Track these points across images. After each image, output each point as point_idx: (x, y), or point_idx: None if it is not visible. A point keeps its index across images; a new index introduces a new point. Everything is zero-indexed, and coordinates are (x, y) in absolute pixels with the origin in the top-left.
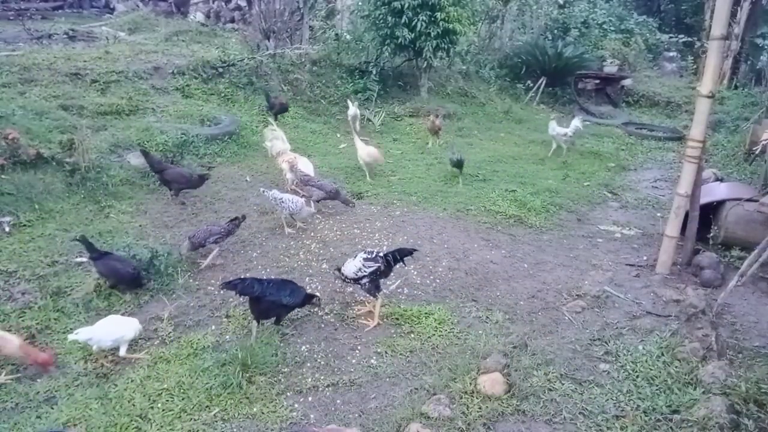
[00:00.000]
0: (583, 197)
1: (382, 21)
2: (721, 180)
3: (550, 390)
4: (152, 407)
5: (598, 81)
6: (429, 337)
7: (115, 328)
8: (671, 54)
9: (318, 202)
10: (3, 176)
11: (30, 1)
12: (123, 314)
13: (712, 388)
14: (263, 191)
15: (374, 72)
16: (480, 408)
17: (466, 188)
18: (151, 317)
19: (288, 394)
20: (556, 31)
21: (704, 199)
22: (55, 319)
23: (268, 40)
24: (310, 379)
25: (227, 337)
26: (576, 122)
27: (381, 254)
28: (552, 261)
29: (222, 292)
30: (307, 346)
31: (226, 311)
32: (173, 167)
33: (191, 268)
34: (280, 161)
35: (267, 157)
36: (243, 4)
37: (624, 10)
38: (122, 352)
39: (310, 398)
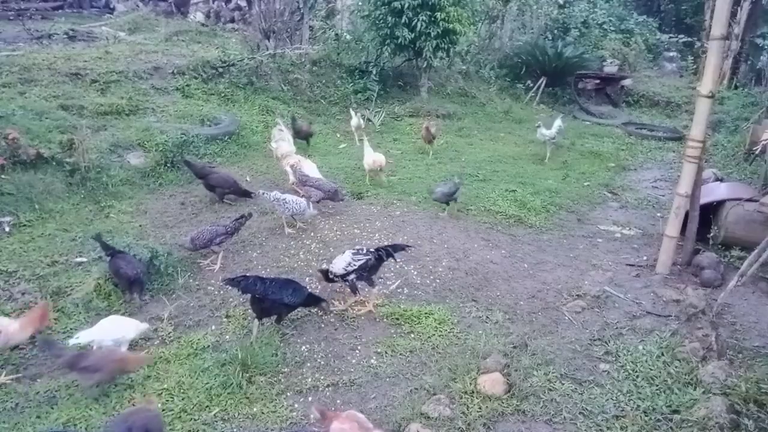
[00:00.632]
0: (583, 197)
1: (382, 21)
2: (721, 180)
3: (550, 390)
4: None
5: (598, 81)
6: (429, 337)
7: (115, 328)
8: (671, 54)
9: (318, 202)
10: (3, 176)
11: (30, 1)
12: (123, 314)
13: (712, 388)
14: (263, 193)
15: (374, 72)
16: (480, 408)
17: (466, 188)
18: (151, 317)
19: (288, 394)
20: (556, 31)
21: (704, 199)
22: (55, 319)
23: (268, 40)
24: (310, 379)
25: (227, 337)
26: (558, 122)
27: (371, 249)
28: (552, 261)
29: (222, 292)
30: (307, 346)
31: (226, 311)
32: (218, 172)
33: (191, 268)
34: (284, 163)
35: (267, 157)
36: (243, 4)
37: (624, 10)
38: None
39: (310, 398)
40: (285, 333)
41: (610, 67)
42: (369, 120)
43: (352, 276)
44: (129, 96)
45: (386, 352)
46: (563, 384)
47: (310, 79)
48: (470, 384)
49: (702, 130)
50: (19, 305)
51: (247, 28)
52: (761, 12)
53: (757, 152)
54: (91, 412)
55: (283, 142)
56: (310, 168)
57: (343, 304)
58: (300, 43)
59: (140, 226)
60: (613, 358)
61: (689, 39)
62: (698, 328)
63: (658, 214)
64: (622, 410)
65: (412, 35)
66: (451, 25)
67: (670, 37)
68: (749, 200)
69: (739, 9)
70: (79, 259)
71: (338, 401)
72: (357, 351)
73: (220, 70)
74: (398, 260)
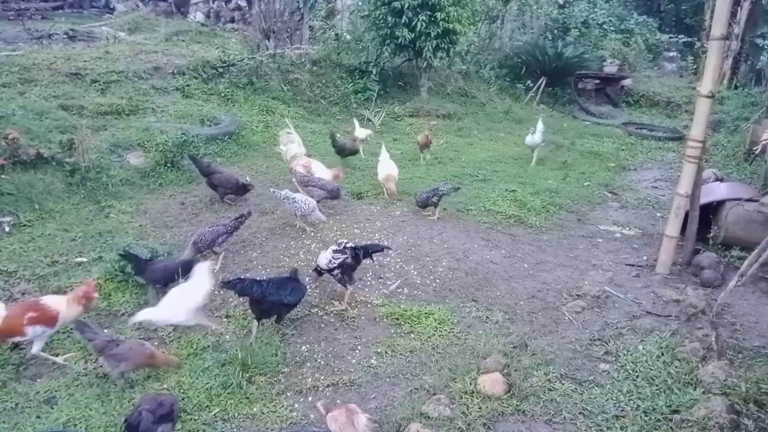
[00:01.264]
0: (583, 197)
1: (382, 21)
2: (721, 180)
3: (550, 390)
4: None
5: (598, 81)
6: (429, 337)
7: (183, 301)
8: (671, 54)
9: (318, 202)
10: (3, 176)
11: (30, 1)
12: (124, 314)
13: (712, 388)
14: (273, 191)
15: (374, 72)
16: (480, 408)
17: (466, 188)
18: None
19: (288, 394)
20: (556, 31)
21: (704, 199)
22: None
23: (268, 40)
24: (310, 379)
25: (227, 337)
26: (539, 124)
27: (350, 246)
28: (552, 261)
29: (222, 292)
30: (307, 346)
31: (226, 311)
32: (221, 172)
33: None
34: (294, 165)
35: (267, 157)
36: (243, 4)
37: (624, 10)
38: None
39: (310, 398)
40: (285, 333)
41: (610, 67)
42: (369, 120)
43: (337, 271)
44: (129, 96)
45: (386, 352)
46: (563, 384)
47: (310, 79)
48: (470, 384)
49: (702, 130)
50: None
51: (247, 28)
52: (761, 12)
53: (757, 152)
54: (91, 412)
55: (292, 144)
56: (319, 169)
57: (342, 304)
58: (300, 43)
59: (140, 226)
60: (613, 358)
61: (689, 39)
62: (698, 328)
63: (658, 214)
64: (622, 410)
65: (412, 35)
66: (451, 25)
67: (670, 37)
68: (749, 200)
69: (739, 9)
70: (79, 259)
71: (338, 401)
72: (357, 351)
73: (220, 70)
74: (398, 260)
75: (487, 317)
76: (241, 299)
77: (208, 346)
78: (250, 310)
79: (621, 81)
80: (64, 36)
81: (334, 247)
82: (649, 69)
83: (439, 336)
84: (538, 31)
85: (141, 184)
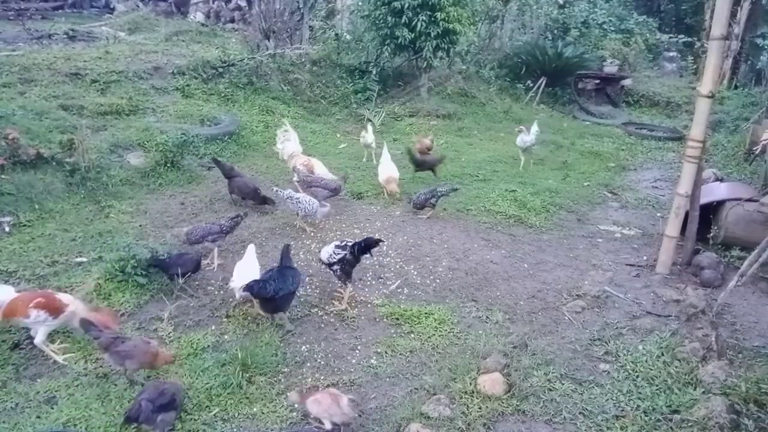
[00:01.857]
0: (583, 197)
1: (382, 21)
2: (721, 180)
3: (550, 390)
4: None
5: (598, 81)
6: (429, 337)
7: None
8: (671, 54)
9: (322, 200)
10: (3, 176)
11: (30, 1)
12: (124, 314)
13: (712, 388)
14: (277, 190)
15: (374, 72)
16: (480, 408)
17: (466, 188)
18: (151, 317)
19: (288, 394)
20: (556, 31)
21: (704, 199)
22: None
23: (268, 40)
24: (310, 379)
25: (227, 337)
26: (534, 127)
27: (350, 244)
28: (552, 261)
29: (222, 292)
30: (307, 346)
31: (226, 311)
32: (242, 176)
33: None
34: (293, 163)
35: (267, 157)
36: (243, 4)
37: (624, 10)
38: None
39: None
40: (285, 333)
41: (610, 67)
42: (369, 120)
43: (336, 267)
44: (129, 96)
45: (386, 352)
46: (563, 384)
47: (310, 79)
48: (470, 384)
49: (702, 130)
50: None
51: (247, 28)
52: (761, 12)
53: (757, 152)
54: (91, 412)
55: (288, 142)
56: (319, 167)
57: (342, 304)
58: (300, 43)
59: (140, 226)
60: (613, 358)
61: (689, 39)
62: (698, 328)
63: (658, 214)
64: (622, 410)
65: (412, 35)
66: (451, 25)
67: (670, 37)
68: (749, 200)
69: (739, 9)
70: (79, 259)
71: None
72: (357, 351)
73: (220, 70)
74: (398, 260)
75: (487, 317)
76: (241, 300)
77: (208, 346)
78: (262, 309)
79: (621, 81)
80: (64, 36)
81: (337, 242)
82: (649, 69)
83: (439, 336)
84: (538, 31)
85: (141, 184)
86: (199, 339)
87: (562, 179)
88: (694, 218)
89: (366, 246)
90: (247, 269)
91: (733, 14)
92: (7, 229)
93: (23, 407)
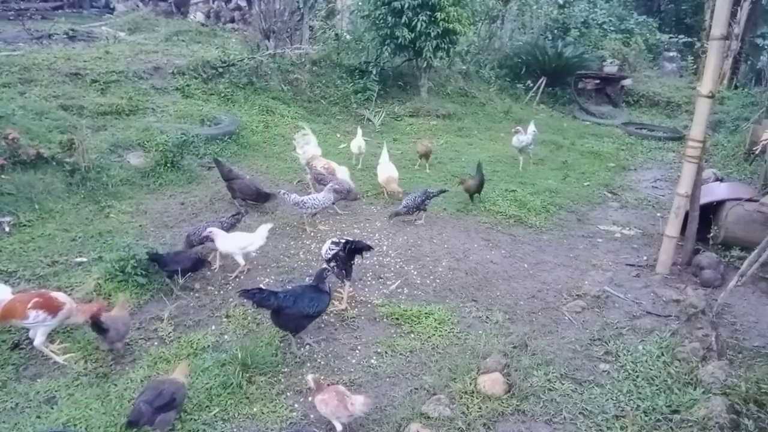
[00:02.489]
0: (583, 197)
1: (382, 21)
2: (721, 180)
3: (550, 390)
4: None
5: (598, 81)
6: (429, 337)
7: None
8: (671, 54)
9: (333, 203)
10: (3, 176)
11: (30, 1)
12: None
13: (712, 388)
14: (283, 193)
15: (374, 72)
16: (480, 408)
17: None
18: (151, 317)
19: (288, 394)
20: (556, 31)
21: (704, 199)
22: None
23: (268, 40)
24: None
25: (227, 337)
26: (532, 127)
27: (343, 241)
28: (552, 261)
29: (222, 292)
30: (307, 346)
31: (226, 311)
32: (242, 178)
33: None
34: (313, 166)
35: (267, 157)
36: (243, 4)
37: (624, 10)
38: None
39: (310, 398)
40: (285, 333)
41: (610, 67)
42: (369, 120)
43: (332, 263)
44: (129, 96)
45: (386, 352)
46: (563, 384)
47: (310, 79)
48: (470, 384)
49: (702, 130)
50: None
51: (247, 28)
52: (761, 12)
53: (757, 152)
54: (91, 412)
55: (308, 146)
56: (340, 170)
57: (342, 304)
58: (300, 43)
59: (140, 226)
60: (613, 358)
61: (689, 39)
62: (698, 328)
63: (658, 214)
64: (622, 410)
65: (412, 35)
66: (451, 25)
67: (670, 37)
68: (749, 200)
69: (739, 9)
70: (79, 259)
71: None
72: (357, 351)
73: (220, 70)
74: (398, 260)
75: (487, 317)
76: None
77: (208, 346)
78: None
79: (621, 81)
80: (64, 36)
81: (334, 239)
82: (649, 69)
83: (439, 336)
84: (538, 31)
85: (141, 184)
86: (199, 339)
87: (562, 179)
88: (694, 218)
89: (356, 248)
90: (236, 237)
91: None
92: (7, 229)
93: (23, 407)
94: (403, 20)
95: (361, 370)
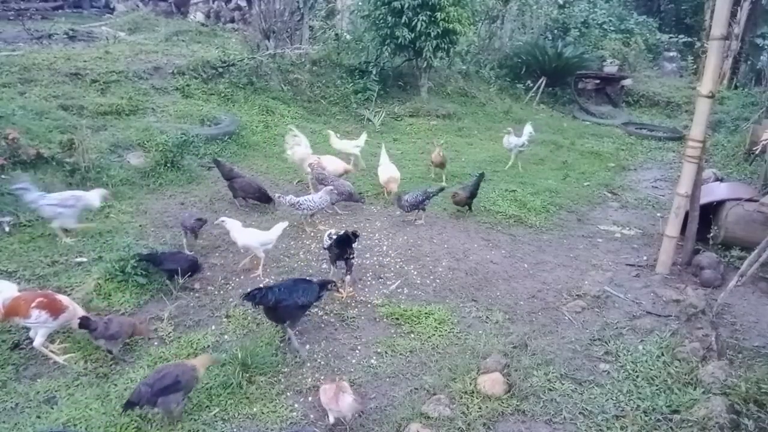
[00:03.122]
0: (583, 197)
1: (382, 21)
2: (721, 180)
3: (550, 390)
4: None
5: (598, 81)
6: (429, 337)
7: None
8: (671, 54)
9: (333, 204)
10: (3, 176)
11: (30, 1)
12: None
13: (712, 388)
14: (278, 197)
15: (374, 72)
16: (480, 408)
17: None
18: (151, 317)
19: (288, 394)
20: (556, 31)
21: (704, 199)
22: None
23: (268, 40)
24: (310, 379)
25: (227, 337)
26: (528, 128)
27: (337, 235)
28: (552, 261)
29: (222, 292)
30: (307, 346)
31: (226, 311)
32: (243, 177)
33: None
34: (305, 165)
35: (267, 157)
36: (243, 4)
37: (624, 10)
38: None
39: (310, 398)
40: (285, 333)
41: (610, 67)
42: (369, 120)
43: (330, 253)
44: (129, 96)
45: (386, 352)
46: (563, 384)
47: (310, 79)
48: (470, 384)
49: (702, 130)
50: None
51: (247, 28)
52: (761, 12)
53: (757, 152)
54: (91, 412)
55: (298, 147)
56: (331, 161)
57: (342, 293)
58: (300, 43)
59: (140, 226)
60: (613, 358)
61: (689, 39)
62: (698, 328)
63: (658, 214)
64: (622, 410)
65: (412, 35)
66: (451, 25)
67: (670, 37)
68: (749, 200)
69: (739, 9)
70: (79, 259)
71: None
72: (357, 351)
73: (220, 70)
74: (398, 260)
75: (487, 317)
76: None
77: (208, 346)
78: (266, 317)
79: (621, 81)
80: (64, 36)
81: (332, 231)
82: (649, 69)
83: (439, 336)
84: (538, 31)
85: (141, 184)
86: (199, 339)
87: (562, 179)
88: (694, 218)
89: (343, 238)
90: (252, 233)
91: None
92: (7, 229)
93: (23, 407)
94: (403, 20)
95: (361, 370)
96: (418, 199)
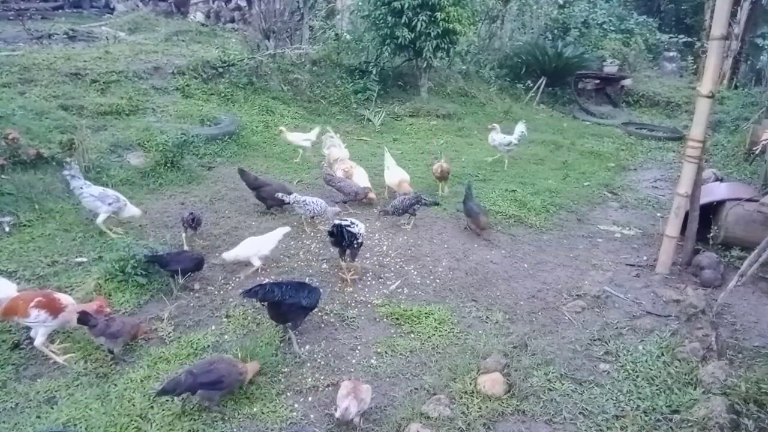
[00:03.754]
0: (583, 197)
1: (382, 21)
2: (721, 180)
3: (550, 390)
4: (152, 407)
5: (598, 81)
6: (429, 337)
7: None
8: (671, 54)
9: (345, 203)
10: (3, 176)
11: (30, 1)
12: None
13: (712, 388)
14: (282, 195)
15: (374, 72)
16: (480, 408)
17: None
18: (151, 317)
19: (288, 394)
20: (556, 31)
21: (704, 199)
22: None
23: (268, 40)
24: (310, 379)
25: (227, 337)
26: (520, 127)
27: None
28: (552, 261)
29: (222, 292)
30: (307, 346)
31: (226, 311)
32: (269, 185)
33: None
34: (336, 168)
35: (267, 157)
36: (243, 4)
37: (624, 10)
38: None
39: (310, 398)
40: (285, 333)
41: (610, 67)
42: (369, 120)
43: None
44: (129, 96)
45: (386, 352)
46: (563, 384)
47: (310, 79)
48: (470, 384)
49: (702, 130)
50: None
51: (247, 28)
52: (761, 12)
53: (757, 152)
54: (91, 412)
55: (334, 147)
56: (360, 174)
57: (345, 275)
58: (300, 43)
59: (140, 226)
60: (613, 358)
61: (689, 39)
62: (698, 328)
63: (658, 214)
64: (622, 410)
65: (412, 35)
66: (451, 25)
67: (670, 37)
68: (749, 200)
69: (739, 9)
70: (79, 259)
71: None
72: (357, 351)
73: (220, 70)
74: (398, 260)
75: (487, 317)
76: (241, 300)
77: (208, 346)
78: (269, 317)
79: (621, 81)
80: (64, 36)
81: (336, 221)
82: (649, 69)
83: (439, 336)
84: (538, 31)
85: (141, 184)
86: (199, 339)
87: (562, 179)
88: (694, 218)
89: (331, 232)
90: (256, 242)
91: (733, 14)
92: (7, 229)
93: (23, 407)
94: (403, 20)
95: (361, 370)
96: (406, 203)
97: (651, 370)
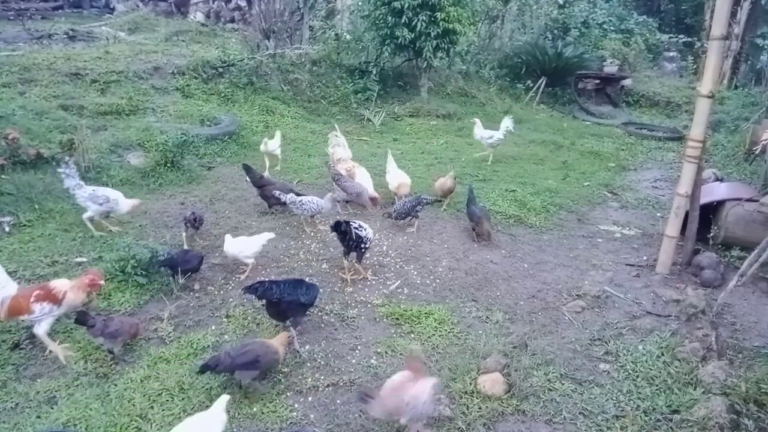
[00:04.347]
0: (583, 197)
1: (382, 21)
2: (721, 180)
3: (550, 390)
4: (152, 407)
5: (598, 81)
6: (429, 337)
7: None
8: (671, 54)
9: (339, 202)
10: (3, 176)
11: (30, 1)
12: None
13: (712, 388)
14: (279, 194)
15: (374, 72)
16: (480, 408)
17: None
18: (151, 317)
19: (288, 394)
20: (556, 31)
21: (704, 199)
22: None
23: (268, 40)
24: (310, 379)
25: (227, 337)
26: (506, 122)
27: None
28: (552, 261)
29: (222, 292)
30: (307, 346)
31: (226, 311)
32: (272, 184)
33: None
34: (340, 167)
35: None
36: (243, 4)
37: (624, 10)
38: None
39: (310, 398)
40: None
41: (610, 67)
42: (369, 120)
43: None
44: (129, 96)
45: (386, 352)
46: (563, 384)
47: (310, 79)
48: (470, 384)
49: (702, 130)
50: None
51: (247, 28)
52: (761, 12)
53: (757, 152)
54: (91, 412)
55: (338, 147)
56: (362, 176)
57: (345, 274)
58: (300, 43)
59: (140, 226)
60: (613, 358)
61: (689, 39)
62: (698, 328)
63: (658, 214)
64: (622, 410)
65: (412, 35)
66: (451, 25)
67: (670, 37)
68: (749, 200)
69: (739, 9)
70: (79, 259)
71: (338, 401)
72: (357, 351)
73: (220, 70)
74: (398, 260)
75: (487, 317)
76: (241, 299)
77: (208, 346)
78: (268, 315)
79: (621, 81)
80: (64, 36)
81: (342, 220)
82: (649, 69)
83: (439, 336)
84: (538, 31)
85: (141, 184)
86: (199, 339)
87: (562, 179)
88: (694, 218)
89: (334, 226)
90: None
91: (733, 14)
92: (7, 229)
93: (23, 407)
94: (403, 20)
95: (361, 370)
96: (407, 206)
97: (651, 370)
